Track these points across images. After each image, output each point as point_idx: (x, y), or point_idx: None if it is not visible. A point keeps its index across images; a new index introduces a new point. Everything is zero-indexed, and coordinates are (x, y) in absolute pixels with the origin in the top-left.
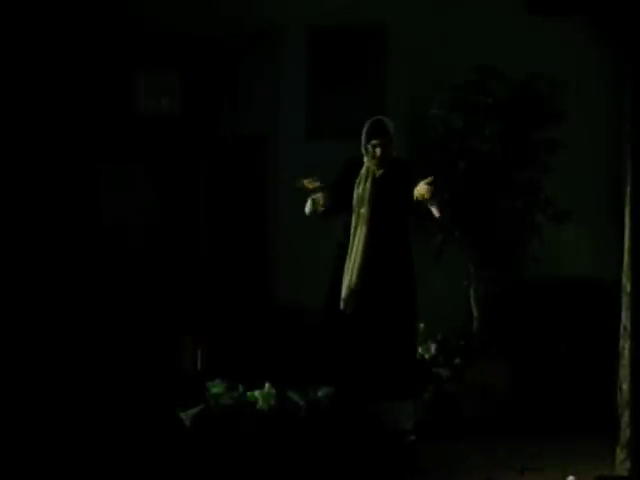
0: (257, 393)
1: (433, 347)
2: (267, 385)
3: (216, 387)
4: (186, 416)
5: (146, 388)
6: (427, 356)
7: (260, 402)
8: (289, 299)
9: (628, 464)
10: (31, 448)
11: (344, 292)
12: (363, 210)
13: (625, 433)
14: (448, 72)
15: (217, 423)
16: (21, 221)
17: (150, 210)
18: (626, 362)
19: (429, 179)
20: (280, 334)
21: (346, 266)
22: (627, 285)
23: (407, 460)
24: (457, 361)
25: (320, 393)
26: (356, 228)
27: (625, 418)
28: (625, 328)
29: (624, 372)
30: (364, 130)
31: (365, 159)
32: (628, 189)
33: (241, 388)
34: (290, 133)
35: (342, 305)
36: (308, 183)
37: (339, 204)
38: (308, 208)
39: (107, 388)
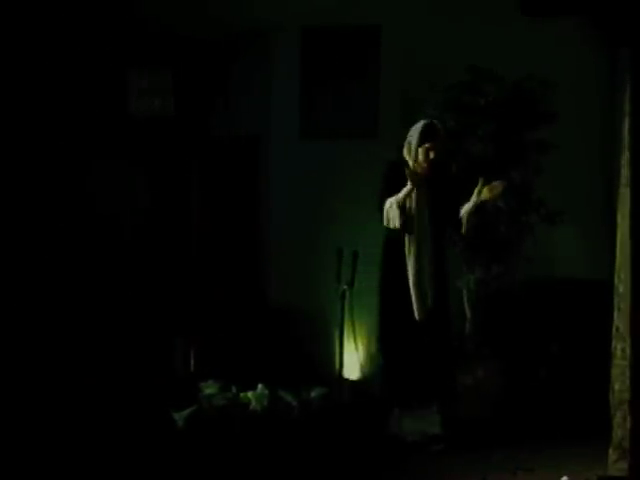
0: (250, 394)
1: None
2: (260, 386)
3: (209, 388)
4: (179, 417)
5: (139, 389)
6: None
7: (253, 403)
8: (283, 300)
9: (621, 464)
10: (25, 448)
11: (428, 303)
12: (418, 221)
13: (617, 433)
14: (441, 72)
15: (210, 424)
16: (12, 220)
17: (143, 211)
18: (618, 362)
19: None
20: (273, 335)
21: (415, 277)
22: (619, 286)
23: (394, 460)
24: None
25: (313, 394)
26: (419, 236)
27: (617, 419)
28: (617, 329)
29: (616, 372)
30: (414, 133)
31: (410, 164)
32: (621, 189)
33: (234, 389)
34: (283, 133)
35: (418, 316)
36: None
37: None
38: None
39: (100, 389)
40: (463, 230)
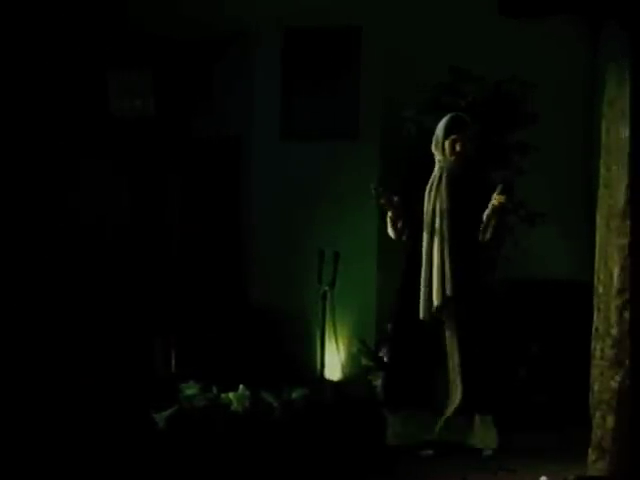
0: (231, 394)
1: None
2: (241, 387)
3: (190, 388)
4: (160, 417)
5: (119, 389)
6: None
7: (234, 403)
8: (264, 301)
9: (600, 464)
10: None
11: (435, 302)
12: (440, 215)
13: (597, 434)
14: (423, 73)
15: (191, 424)
16: None
17: (124, 211)
18: (597, 363)
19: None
20: (255, 336)
21: (424, 277)
22: (598, 287)
23: (377, 461)
24: None
25: (294, 394)
26: (433, 235)
27: (597, 419)
28: (597, 329)
29: (596, 373)
30: (441, 126)
31: (437, 159)
32: (600, 190)
33: (215, 390)
34: (264, 134)
35: (422, 316)
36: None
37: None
38: (392, 234)
39: (80, 389)
40: (481, 237)
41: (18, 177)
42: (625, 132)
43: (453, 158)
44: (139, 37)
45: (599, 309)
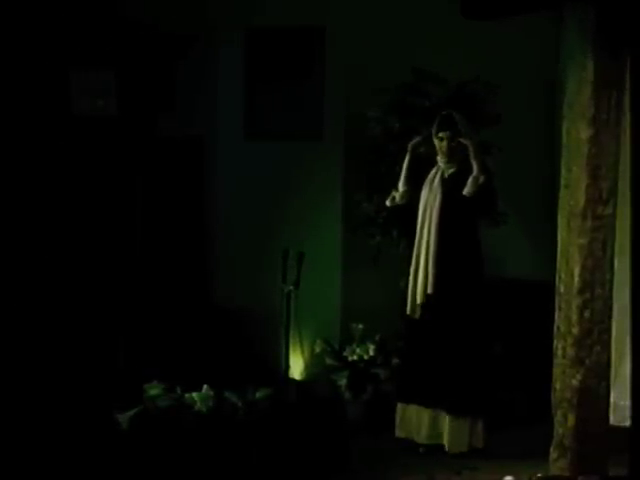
0: (195, 394)
1: (372, 348)
2: (205, 387)
3: (153, 388)
4: (123, 418)
5: (81, 390)
6: (366, 357)
7: (198, 404)
8: (229, 301)
9: (561, 463)
10: None
11: (417, 299)
12: (429, 213)
13: (558, 432)
14: (387, 74)
15: (155, 424)
16: None
17: (85, 211)
18: (559, 362)
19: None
20: (219, 336)
21: (412, 273)
22: (560, 286)
23: (341, 459)
24: (395, 361)
25: (258, 394)
26: (422, 232)
27: (558, 417)
28: (558, 328)
29: (557, 372)
30: (434, 123)
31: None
32: (561, 191)
33: (179, 390)
34: (228, 134)
35: (409, 312)
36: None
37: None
38: (389, 202)
39: (40, 390)
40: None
41: None
42: (585, 133)
43: (445, 157)
44: (101, 35)
45: (560, 308)
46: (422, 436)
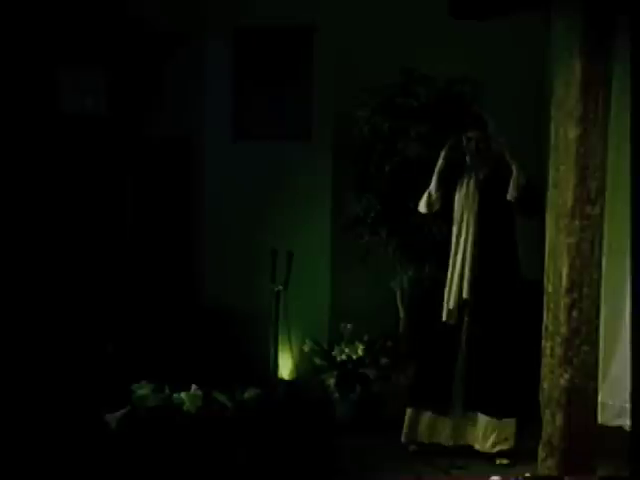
0: (184, 395)
1: (360, 348)
2: (194, 387)
3: (142, 389)
4: (111, 418)
5: (69, 390)
6: (354, 357)
7: (187, 404)
8: (217, 301)
9: (550, 462)
10: None
11: (451, 304)
12: (467, 216)
13: (546, 431)
14: (376, 74)
15: (143, 425)
16: None
17: (73, 210)
18: (547, 361)
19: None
20: (208, 336)
21: (448, 278)
22: (548, 286)
23: (329, 459)
24: (384, 361)
25: (246, 394)
26: (459, 237)
27: (547, 416)
28: (547, 328)
29: (546, 371)
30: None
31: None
32: (549, 191)
33: (167, 390)
34: (217, 134)
35: (445, 317)
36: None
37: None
38: (425, 209)
39: (29, 392)
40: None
41: None
42: (573, 132)
43: (476, 158)
44: (91, 34)
45: (549, 308)
46: (443, 438)
